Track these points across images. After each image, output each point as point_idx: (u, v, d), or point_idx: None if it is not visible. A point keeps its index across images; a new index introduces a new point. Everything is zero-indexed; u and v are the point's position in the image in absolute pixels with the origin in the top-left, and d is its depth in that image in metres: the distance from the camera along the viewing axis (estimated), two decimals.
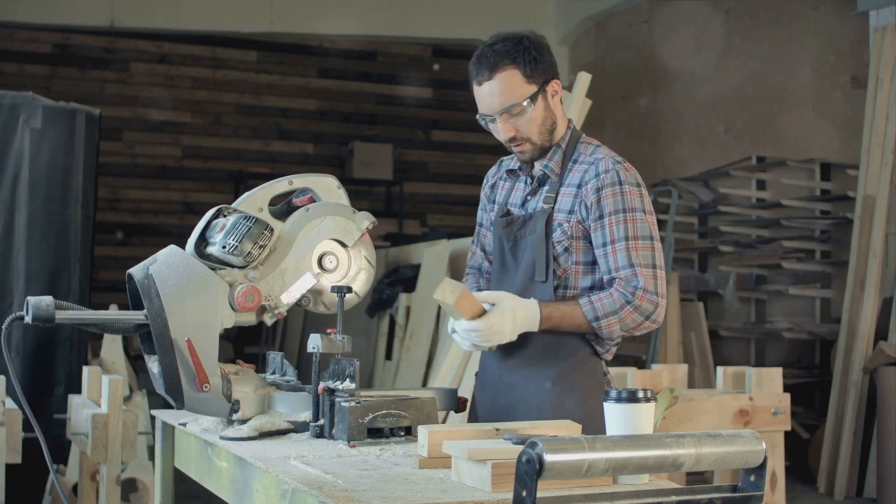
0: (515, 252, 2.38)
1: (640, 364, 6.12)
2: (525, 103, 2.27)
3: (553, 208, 2.32)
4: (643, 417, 1.59)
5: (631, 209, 2.26)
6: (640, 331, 2.29)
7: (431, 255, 6.62)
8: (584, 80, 4.88)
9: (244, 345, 8.66)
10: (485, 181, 2.58)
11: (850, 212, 6.68)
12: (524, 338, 2.29)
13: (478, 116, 2.36)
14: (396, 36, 9.98)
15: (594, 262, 2.31)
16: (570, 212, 2.30)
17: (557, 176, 2.35)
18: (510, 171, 2.49)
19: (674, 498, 1.39)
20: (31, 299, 2.01)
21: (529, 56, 2.27)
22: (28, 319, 2.01)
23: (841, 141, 7.21)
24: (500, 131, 2.33)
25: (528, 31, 2.35)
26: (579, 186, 2.30)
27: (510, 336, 2.23)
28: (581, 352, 2.31)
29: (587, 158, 2.34)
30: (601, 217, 2.26)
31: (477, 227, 2.59)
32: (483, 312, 2.21)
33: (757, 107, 7.98)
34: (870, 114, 6.33)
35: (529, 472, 1.23)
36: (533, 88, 2.28)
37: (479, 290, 2.49)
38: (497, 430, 1.74)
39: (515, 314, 2.21)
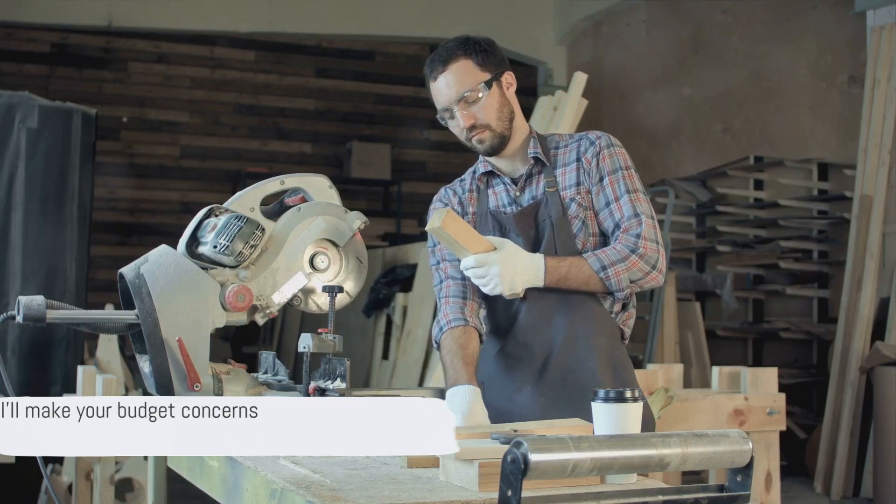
0: (530, 243, 2.34)
1: (637, 364, 6.12)
2: (480, 87, 2.33)
3: (558, 189, 2.36)
4: (631, 417, 1.59)
5: (626, 167, 2.35)
6: (647, 282, 2.28)
7: (428, 255, 6.61)
8: (580, 80, 4.88)
9: (242, 344, 8.66)
10: (446, 206, 2.48)
11: (847, 212, 6.69)
12: (561, 328, 2.28)
13: (438, 116, 2.39)
14: (394, 36, 9.98)
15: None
16: (579, 184, 2.35)
17: (548, 160, 2.39)
18: (484, 175, 2.48)
19: (660, 497, 1.39)
20: (23, 299, 2.01)
21: (480, 47, 2.37)
22: (19, 319, 2.01)
23: (838, 141, 7.21)
24: (460, 120, 2.35)
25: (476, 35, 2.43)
26: (578, 160, 2.37)
27: (510, 283, 2.21)
28: (615, 334, 2.35)
29: (570, 141, 2.41)
30: (601, 179, 2.33)
31: (436, 264, 2.51)
32: (489, 250, 2.23)
33: (754, 107, 7.99)
34: (867, 113, 6.33)
35: (514, 471, 1.23)
36: (487, 75, 2.35)
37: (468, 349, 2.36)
38: (515, 430, 1.73)
39: (517, 259, 2.22)
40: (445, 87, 2.35)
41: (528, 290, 2.29)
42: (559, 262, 2.25)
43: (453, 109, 2.36)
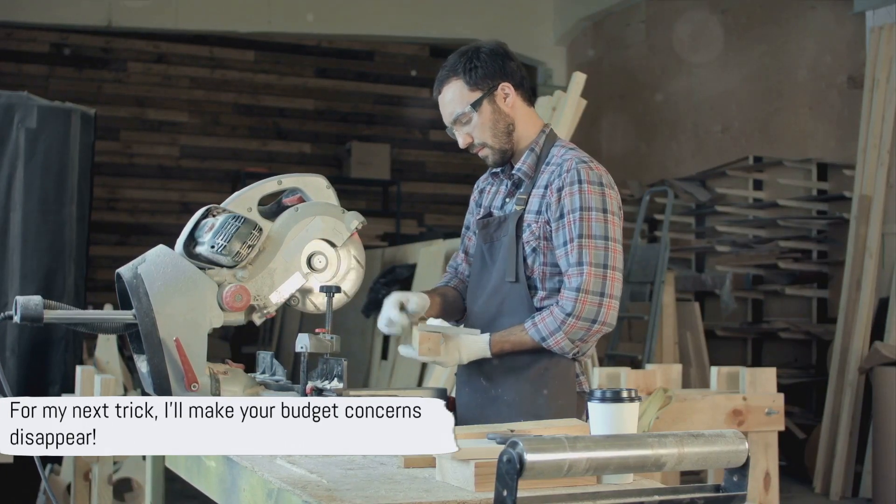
0: (492, 253, 2.42)
1: (636, 364, 6.12)
2: (468, 110, 2.35)
3: (524, 210, 2.35)
4: (627, 417, 1.59)
5: (587, 208, 2.27)
6: (593, 336, 2.27)
7: (427, 255, 6.62)
8: (578, 80, 4.88)
9: (241, 345, 8.66)
10: (475, 187, 2.61)
11: (846, 212, 6.69)
12: None
13: (447, 129, 2.45)
14: (394, 36, 9.98)
15: None
16: (538, 212, 2.33)
17: (530, 178, 2.38)
18: (494, 174, 2.54)
19: (656, 497, 1.39)
20: (20, 298, 2.01)
21: (471, 64, 2.36)
22: (17, 319, 2.01)
23: (837, 141, 7.20)
24: (458, 140, 2.42)
25: (487, 41, 2.43)
26: (546, 187, 2.33)
27: (458, 361, 2.32)
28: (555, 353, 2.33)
29: (557, 160, 2.36)
30: (561, 216, 2.29)
31: (464, 230, 2.63)
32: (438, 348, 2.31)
33: (754, 107, 7.98)
34: (866, 114, 6.33)
35: (510, 471, 1.23)
36: (477, 94, 2.36)
37: (449, 286, 2.58)
38: (512, 431, 1.73)
39: (464, 348, 2.30)
40: (443, 107, 2.41)
41: (474, 301, 2.44)
42: (503, 340, 2.30)
43: (453, 129, 2.42)
